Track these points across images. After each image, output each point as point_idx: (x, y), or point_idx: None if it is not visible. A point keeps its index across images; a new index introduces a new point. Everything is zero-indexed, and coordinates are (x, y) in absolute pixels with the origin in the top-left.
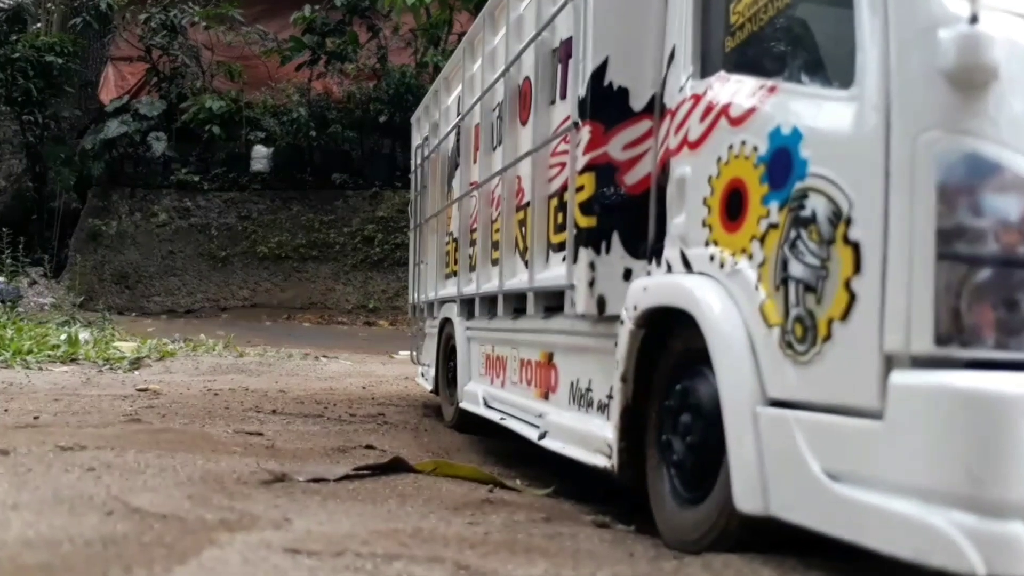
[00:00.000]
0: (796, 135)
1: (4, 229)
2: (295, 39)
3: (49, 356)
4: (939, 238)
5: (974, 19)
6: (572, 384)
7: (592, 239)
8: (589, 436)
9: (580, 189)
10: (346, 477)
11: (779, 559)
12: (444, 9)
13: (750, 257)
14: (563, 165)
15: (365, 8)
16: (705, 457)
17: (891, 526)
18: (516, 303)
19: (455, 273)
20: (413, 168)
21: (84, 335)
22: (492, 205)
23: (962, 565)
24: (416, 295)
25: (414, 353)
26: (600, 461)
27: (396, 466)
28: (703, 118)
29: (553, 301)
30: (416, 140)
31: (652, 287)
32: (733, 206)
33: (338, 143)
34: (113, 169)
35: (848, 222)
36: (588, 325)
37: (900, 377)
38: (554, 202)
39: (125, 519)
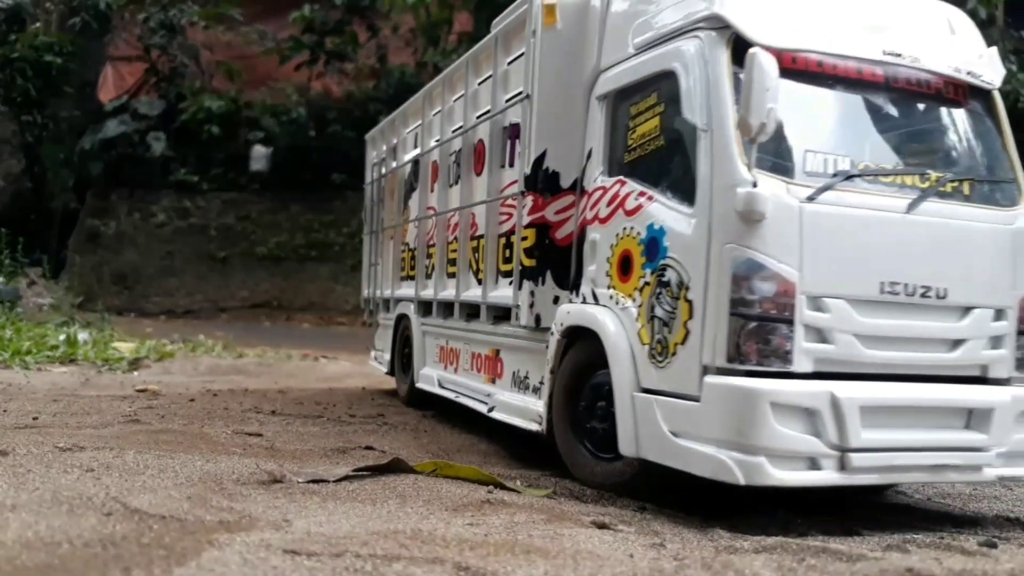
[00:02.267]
0: (662, 231)
1: (3, 229)
2: (294, 39)
3: (48, 357)
4: (731, 304)
5: (755, 184)
6: (514, 373)
7: (532, 274)
8: (526, 410)
9: (524, 239)
10: (346, 478)
11: (778, 558)
12: (444, 8)
13: (633, 300)
14: (510, 215)
15: (365, 7)
16: (611, 424)
17: (701, 460)
18: (469, 309)
19: (411, 277)
20: (369, 180)
21: (83, 336)
22: (448, 230)
23: (733, 478)
24: (371, 290)
25: (370, 345)
26: (533, 427)
27: (396, 467)
28: (609, 204)
29: (499, 312)
30: (371, 156)
31: (573, 311)
32: (624, 266)
33: (337, 143)
34: (112, 169)
35: (687, 288)
36: (527, 333)
37: (710, 379)
38: (502, 240)
39: (124, 520)
